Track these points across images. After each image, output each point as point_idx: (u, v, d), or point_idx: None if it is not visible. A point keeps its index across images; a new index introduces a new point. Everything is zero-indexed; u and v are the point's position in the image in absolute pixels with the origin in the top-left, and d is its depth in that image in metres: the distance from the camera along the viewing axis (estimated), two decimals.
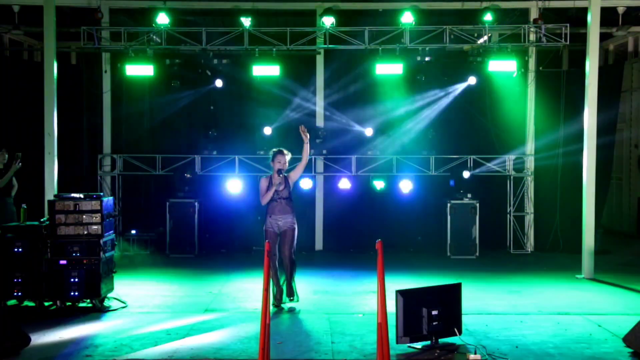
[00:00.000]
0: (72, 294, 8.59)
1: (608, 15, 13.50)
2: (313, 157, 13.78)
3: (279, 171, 8.74)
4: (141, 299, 9.33)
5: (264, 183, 8.83)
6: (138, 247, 13.47)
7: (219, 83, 13.61)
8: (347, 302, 9.37)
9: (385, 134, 13.95)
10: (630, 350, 6.98)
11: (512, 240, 13.94)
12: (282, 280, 8.95)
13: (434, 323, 7.01)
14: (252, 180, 13.51)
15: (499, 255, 13.57)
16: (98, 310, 8.62)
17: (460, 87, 13.80)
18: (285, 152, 8.88)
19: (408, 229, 13.79)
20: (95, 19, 13.23)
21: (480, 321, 8.16)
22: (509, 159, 13.98)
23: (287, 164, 8.87)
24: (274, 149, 8.97)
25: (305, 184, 13.36)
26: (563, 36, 12.86)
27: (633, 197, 15.82)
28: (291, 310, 8.81)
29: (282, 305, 8.90)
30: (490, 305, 9.11)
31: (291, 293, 8.98)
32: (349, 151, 13.90)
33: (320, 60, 14.06)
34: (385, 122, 13.91)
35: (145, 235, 13.52)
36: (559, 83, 13.96)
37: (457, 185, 13.44)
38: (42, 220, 9.07)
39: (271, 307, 8.05)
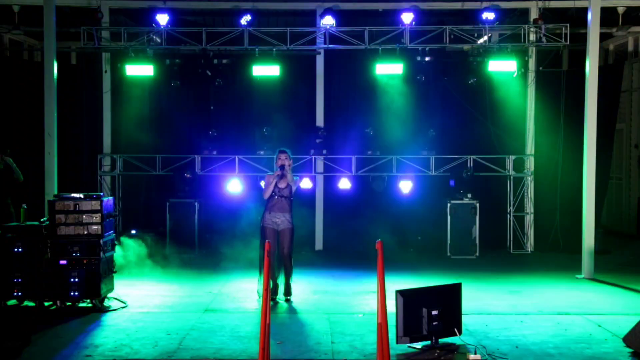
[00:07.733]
0: (72, 294, 8.58)
1: (608, 15, 13.52)
2: (313, 157, 13.79)
3: (281, 167, 9.12)
4: (141, 299, 9.33)
5: (269, 178, 9.25)
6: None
7: (219, 83, 13.61)
8: (347, 302, 9.38)
9: (385, 134, 13.94)
10: (630, 350, 6.98)
11: (512, 240, 13.93)
12: (279, 277, 9.22)
13: (434, 323, 7.01)
14: (252, 180, 13.51)
15: (499, 255, 13.57)
16: (98, 310, 8.61)
17: (460, 88, 13.83)
18: (287, 151, 9.29)
19: (408, 229, 13.78)
20: (95, 19, 13.24)
21: (480, 321, 8.16)
22: (509, 159, 13.97)
23: (288, 162, 9.17)
24: (279, 149, 9.39)
25: (305, 184, 13.36)
26: (563, 36, 12.88)
27: (633, 197, 15.81)
28: (291, 311, 8.84)
29: (278, 299, 9.18)
30: (490, 305, 9.11)
31: (289, 292, 9.28)
32: (349, 151, 13.88)
33: (320, 60, 14.04)
34: (385, 122, 13.89)
35: (145, 235, 13.50)
36: (559, 83, 13.95)
37: (457, 185, 13.43)
38: (42, 220, 9.06)
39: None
